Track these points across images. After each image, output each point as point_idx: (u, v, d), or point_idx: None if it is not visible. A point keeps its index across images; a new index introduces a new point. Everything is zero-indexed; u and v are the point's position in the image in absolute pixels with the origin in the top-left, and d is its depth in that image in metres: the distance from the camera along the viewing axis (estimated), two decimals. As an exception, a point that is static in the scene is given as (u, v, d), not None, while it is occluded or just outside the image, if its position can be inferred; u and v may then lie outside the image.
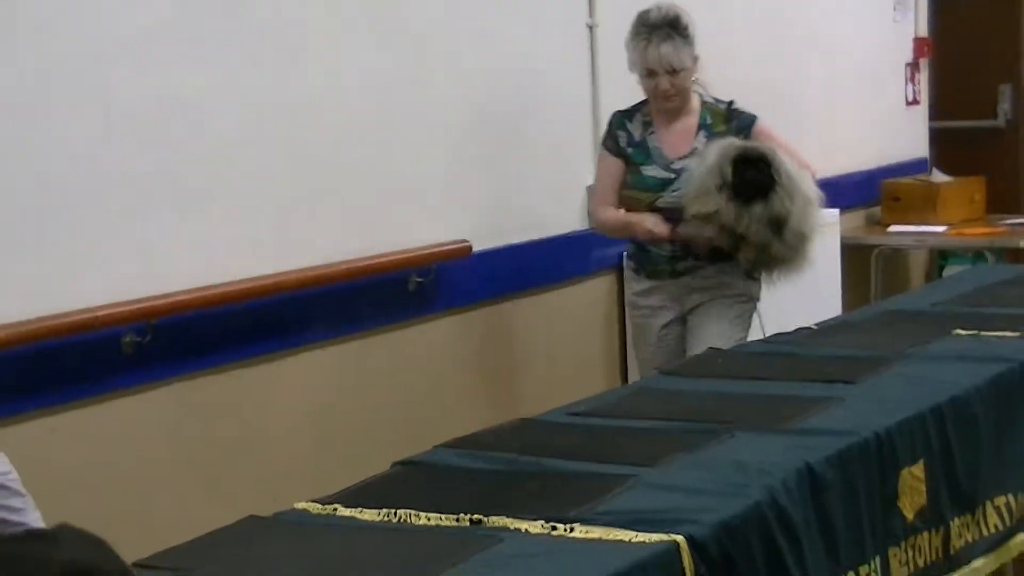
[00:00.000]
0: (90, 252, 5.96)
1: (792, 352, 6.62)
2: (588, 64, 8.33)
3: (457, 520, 4.60)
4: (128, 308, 6.12)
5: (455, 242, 7.39)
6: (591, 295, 8.23)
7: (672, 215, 6.82)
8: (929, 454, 5.58)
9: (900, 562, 5.44)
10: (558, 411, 5.91)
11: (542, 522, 4.52)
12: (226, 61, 6.66)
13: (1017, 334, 6.69)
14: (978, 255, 9.71)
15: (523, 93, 7.93)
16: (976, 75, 11.67)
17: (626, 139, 6.92)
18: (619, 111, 7.11)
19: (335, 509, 4.79)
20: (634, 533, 4.43)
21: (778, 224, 6.49)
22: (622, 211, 6.99)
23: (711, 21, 8.70)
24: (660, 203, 6.83)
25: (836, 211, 9.22)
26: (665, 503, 4.69)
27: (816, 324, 7.12)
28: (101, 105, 6.05)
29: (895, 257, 9.80)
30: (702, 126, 7.01)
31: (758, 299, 7.34)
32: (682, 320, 7.18)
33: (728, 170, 6.48)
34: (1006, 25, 11.62)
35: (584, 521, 4.52)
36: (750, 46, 9.53)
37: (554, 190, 8.10)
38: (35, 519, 4.30)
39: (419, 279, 7.27)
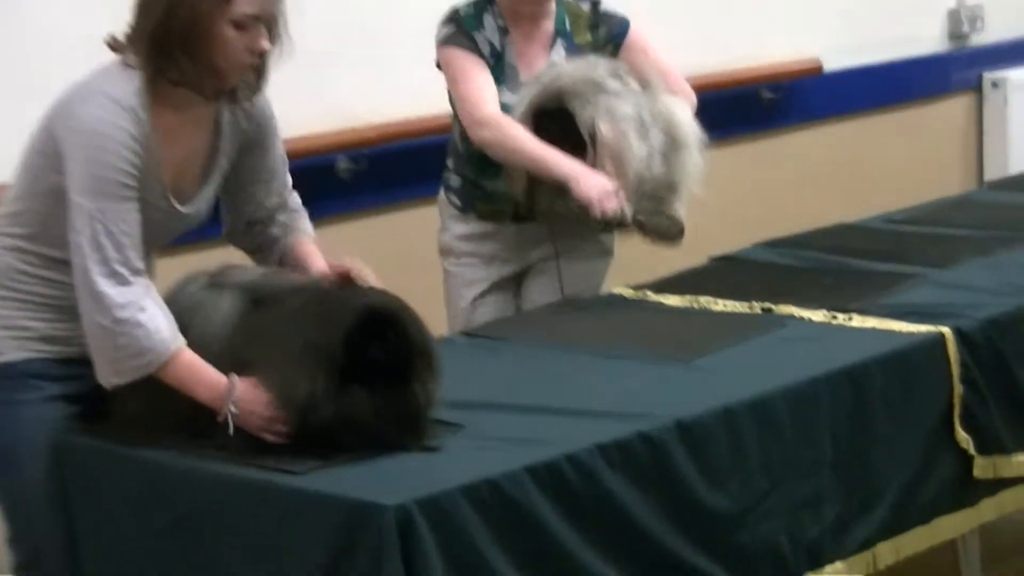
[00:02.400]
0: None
1: None
2: None
3: (749, 307, 4.93)
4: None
5: (807, 62, 7.45)
6: (947, 117, 8.15)
7: None
8: None
9: None
10: (878, 218, 6.09)
11: (824, 311, 4.82)
12: None
13: None
14: None
15: None
16: None
17: (487, 48, 5.06)
18: (464, 10, 5.14)
19: (645, 294, 5.16)
20: (906, 324, 4.69)
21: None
22: (531, 138, 4.95)
23: None
24: None
25: None
26: (944, 299, 4.93)
27: None
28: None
29: None
30: (560, 33, 5.21)
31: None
32: (516, 278, 5.43)
33: (528, 124, 4.97)
34: None
35: (863, 312, 4.80)
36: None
37: (912, 9, 8.01)
38: None
39: (770, 95, 7.36)
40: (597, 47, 5.25)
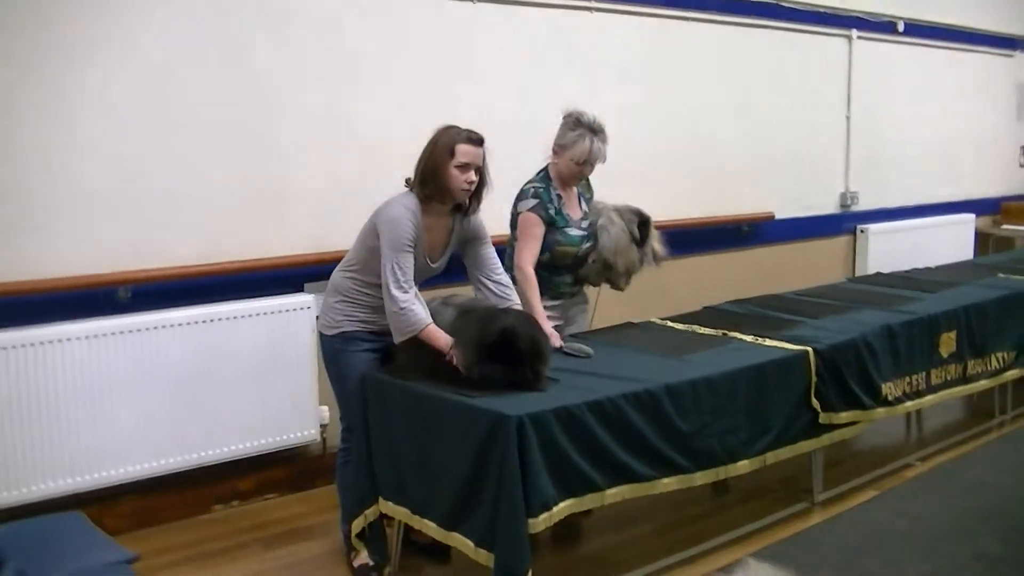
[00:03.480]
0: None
1: (913, 277, 6.36)
2: (844, 132, 7.75)
3: (715, 331, 4.78)
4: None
5: (766, 212, 7.19)
6: (836, 246, 7.80)
7: (582, 259, 4.59)
8: (959, 328, 5.38)
9: (936, 376, 5.26)
10: (791, 292, 5.83)
11: (752, 336, 4.69)
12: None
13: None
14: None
15: (808, 136, 7.47)
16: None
17: (553, 209, 4.45)
18: (539, 187, 4.49)
19: (666, 322, 5.00)
20: (790, 344, 4.56)
21: (656, 256, 4.75)
22: (537, 299, 4.37)
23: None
24: (580, 253, 4.55)
25: (973, 215, 8.87)
26: (812, 333, 4.76)
27: (936, 266, 6.84)
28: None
29: (1004, 241, 9.23)
30: (580, 194, 4.66)
31: None
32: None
33: (635, 230, 4.63)
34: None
35: (771, 338, 4.66)
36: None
37: (819, 190, 7.65)
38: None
39: (746, 228, 7.10)
40: (589, 199, 4.71)
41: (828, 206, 7.79)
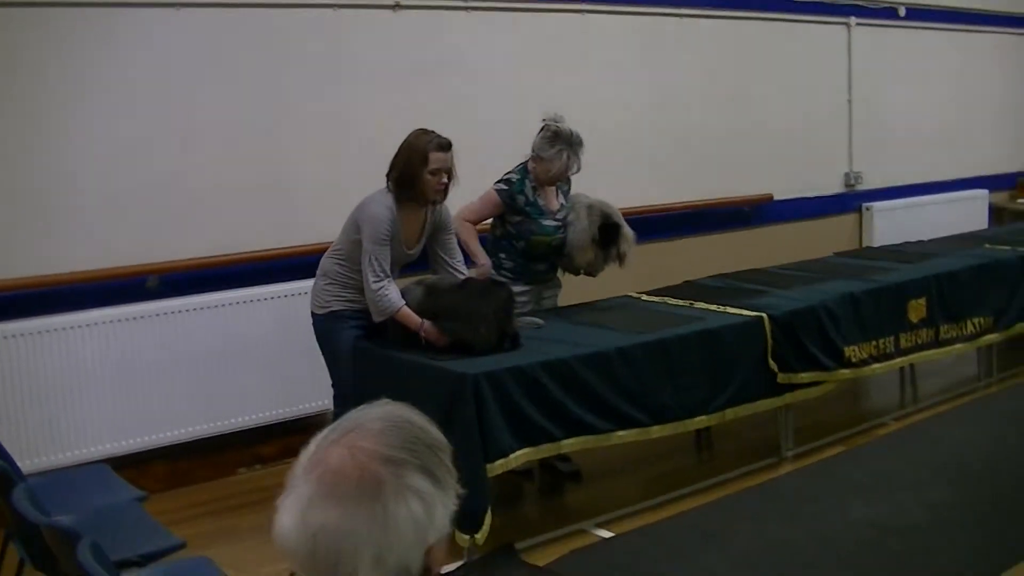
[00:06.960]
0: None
1: (897, 250, 6.59)
2: (847, 115, 7.98)
3: (684, 302, 5.12)
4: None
5: (765, 194, 7.39)
6: (840, 225, 8.00)
7: (561, 248, 4.85)
8: (928, 295, 5.60)
9: (906, 341, 5.48)
10: (777, 266, 6.05)
11: (716, 304, 5.00)
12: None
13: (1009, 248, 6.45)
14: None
15: (807, 121, 7.67)
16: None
17: (523, 200, 4.69)
18: (514, 177, 4.76)
19: (640, 296, 5.32)
20: (748, 311, 4.89)
21: (621, 258, 4.88)
22: (476, 243, 4.72)
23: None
24: (554, 242, 4.80)
25: (987, 190, 9.07)
26: (772, 301, 5.06)
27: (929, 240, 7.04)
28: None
29: (1021, 215, 9.33)
30: (558, 188, 4.84)
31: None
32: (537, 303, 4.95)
33: (596, 232, 4.79)
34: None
35: (732, 306, 4.98)
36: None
37: (821, 171, 7.85)
38: None
39: (747, 209, 7.34)
40: (566, 192, 4.93)
41: (832, 187, 8.00)
